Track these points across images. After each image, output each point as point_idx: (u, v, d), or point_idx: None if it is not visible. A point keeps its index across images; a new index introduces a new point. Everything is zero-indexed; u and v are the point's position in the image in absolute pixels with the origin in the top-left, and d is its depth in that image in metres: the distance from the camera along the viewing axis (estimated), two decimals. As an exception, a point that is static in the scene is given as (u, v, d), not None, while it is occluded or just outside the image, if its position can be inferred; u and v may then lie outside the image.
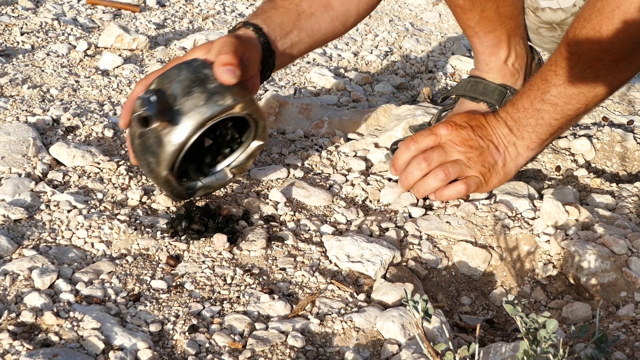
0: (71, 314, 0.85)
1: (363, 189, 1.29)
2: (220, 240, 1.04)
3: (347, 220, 1.18)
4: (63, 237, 1.03)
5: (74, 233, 1.04)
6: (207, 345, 0.85)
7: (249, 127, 1.13)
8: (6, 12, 2.10)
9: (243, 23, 1.20)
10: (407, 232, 1.15)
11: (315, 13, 1.29)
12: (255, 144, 1.15)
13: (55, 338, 0.81)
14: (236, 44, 1.09)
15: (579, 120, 1.28)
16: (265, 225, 1.12)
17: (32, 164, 1.21)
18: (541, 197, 1.26)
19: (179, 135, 1.02)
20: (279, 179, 1.30)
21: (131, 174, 1.23)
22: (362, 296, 0.98)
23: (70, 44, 1.92)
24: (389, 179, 1.32)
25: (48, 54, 1.82)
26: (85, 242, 1.03)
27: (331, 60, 2.16)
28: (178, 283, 0.96)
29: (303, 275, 1.01)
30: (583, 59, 1.08)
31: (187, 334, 0.86)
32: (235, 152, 1.16)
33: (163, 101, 1.01)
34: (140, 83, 1.11)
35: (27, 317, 0.83)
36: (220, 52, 1.06)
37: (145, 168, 1.07)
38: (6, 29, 1.97)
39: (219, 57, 1.05)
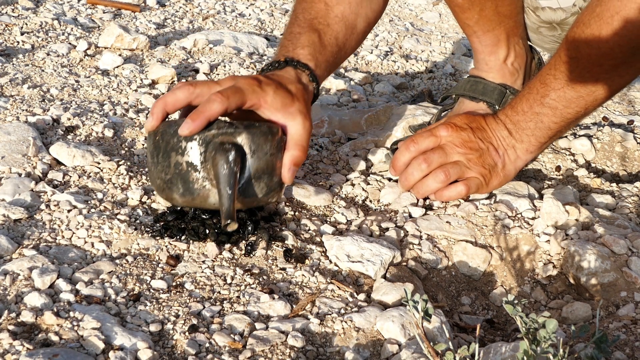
0: (71, 313, 0.85)
1: (363, 189, 1.29)
2: (211, 250, 1.04)
3: (347, 220, 1.18)
4: (63, 236, 1.03)
5: (74, 233, 1.04)
6: (207, 345, 0.85)
7: None
8: (6, 12, 2.10)
9: (306, 68, 1.14)
10: (407, 232, 1.15)
11: (347, 41, 1.27)
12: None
13: (55, 338, 0.81)
14: (310, 131, 1.07)
15: (578, 123, 1.28)
16: (265, 225, 1.12)
17: (32, 164, 1.21)
18: (541, 197, 1.26)
19: (215, 201, 0.98)
20: (279, 178, 1.30)
21: (131, 174, 1.23)
22: (362, 296, 0.98)
23: (70, 43, 1.92)
24: (389, 179, 1.32)
25: (48, 54, 1.82)
26: (85, 242, 1.03)
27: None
28: (178, 283, 0.96)
29: (303, 275, 1.01)
30: (582, 64, 1.08)
31: (187, 333, 0.86)
32: None
33: (236, 175, 0.96)
34: (217, 99, 0.98)
35: (27, 316, 0.83)
36: (297, 145, 1.03)
37: (161, 172, 1.00)
38: (6, 28, 1.97)
39: (295, 152, 1.03)
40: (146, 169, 1.28)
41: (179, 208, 1.08)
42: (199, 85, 1.02)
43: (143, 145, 1.38)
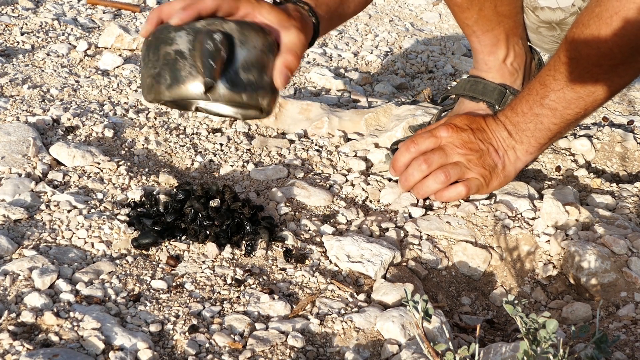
0: (71, 314, 0.85)
1: (363, 189, 1.29)
2: (211, 250, 1.04)
3: (347, 220, 1.18)
4: (63, 237, 1.03)
5: (74, 233, 1.04)
6: (207, 345, 0.85)
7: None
8: (6, 12, 2.10)
9: (305, 4, 1.14)
10: (407, 232, 1.15)
11: None
12: (233, 114, 1.11)
13: (55, 338, 0.81)
14: (304, 47, 1.06)
15: (578, 124, 1.28)
16: (265, 225, 1.12)
17: (32, 164, 1.21)
18: (541, 197, 1.26)
19: (207, 94, 0.97)
20: (279, 179, 1.30)
21: (131, 174, 1.23)
22: (362, 296, 0.98)
23: (70, 44, 1.92)
24: (389, 179, 1.32)
25: (48, 54, 1.82)
26: (86, 242, 1.03)
27: (331, 60, 2.17)
28: (178, 283, 0.96)
29: (303, 275, 1.01)
30: (582, 64, 1.08)
31: (187, 334, 0.86)
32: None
33: (227, 56, 0.96)
34: None
35: (27, 317, 0.83)
36: (290, 50, 1.03)
37: (151, 68, 0.99)
38: (6, 29, 1.97)
39: (287, 56, 1.02)
40: (146, 169, 1.28)
41: (177, 206, 1.08)
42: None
43: (143, 145, 1.38)
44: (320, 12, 1.16)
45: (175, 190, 1.13)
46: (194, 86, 0.96)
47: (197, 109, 1.09)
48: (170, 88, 0.97)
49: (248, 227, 1.07)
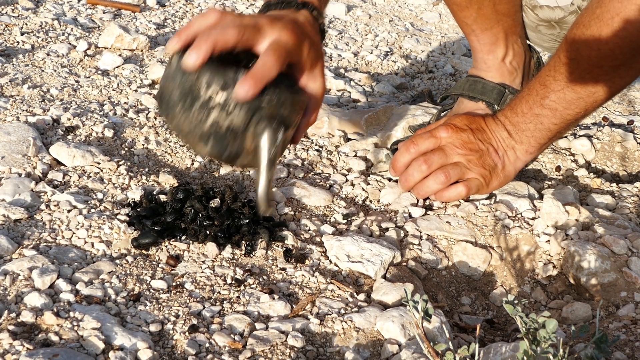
0: (71, 313, 0.85)
1: (363, 189, 1.29)
2: (211, 250, 1.04)
3: (347, 220, 1.18)
4: (63, 237, 1.03)
5: (74, 233, 1.04)
6: (207, 345, 0.85)
7: None
8: (6, 12, 2.10)
9: (314, 9, 1.03)
10: (407, 232, 1.15)
11: None
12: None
13: (55, 338, 0.81)
14: (325, 90, 1.00)
15: (578, 124, 1.28)
16: (266, 224, 1.12)
17: (32, 164, 1.21)
18: (541, 197, 1.26)
19: (242, 162, 0.91)
20: (279, 178, 1.30)
21: (131, 174, 1.23)
22: (362, 296, 0.98)
23: (70, 44, 1.92)
24: (389, 179, 1.32)
25: (48, 54, 1.82)
26: (86, 242, 1.03)
27: (331, 60, 2.16)
28: (178, 283, 0.96)
29: (303, 275, 1.01)
30: (582, 65, 1.08)
31: (187, 333, 0.86)
32: None
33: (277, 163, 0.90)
34: (232, 30, 0.87)
35: (27, 317, 0.83)
36: (315, 108, 0.96)
37: (193, 119, 0.88)
38: (6, 28, 1.97)
39: (310, 119, 0.97)
40: (146, 169, 1.28)
41: (177, 207, 1.08)
42: (246, 28, 0.89)
43: (143, 145, 1.38)
44: (324, 8, 1.12)
45: (175, 190, 1.13)
46: (234, 160, 0.90)
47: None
48: (210, 152, 0.89)
49: (248, 228, 1.07)
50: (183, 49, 0.87)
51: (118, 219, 1.08)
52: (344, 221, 1.18)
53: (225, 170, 1.32)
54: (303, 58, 0.94)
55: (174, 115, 0.89)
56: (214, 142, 0.89)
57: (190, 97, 0.87)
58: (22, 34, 1.94)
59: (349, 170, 1.37)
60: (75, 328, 0.83)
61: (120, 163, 1.25)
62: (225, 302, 0.93)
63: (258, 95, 0.86)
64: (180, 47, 0.87)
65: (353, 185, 1.30)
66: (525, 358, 0.69)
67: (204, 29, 0.88)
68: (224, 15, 0.90)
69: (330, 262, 1.06)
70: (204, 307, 0.91)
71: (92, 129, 1.39)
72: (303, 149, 1.43)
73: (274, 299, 0.94)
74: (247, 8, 2.62)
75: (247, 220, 1.08)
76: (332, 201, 1.23)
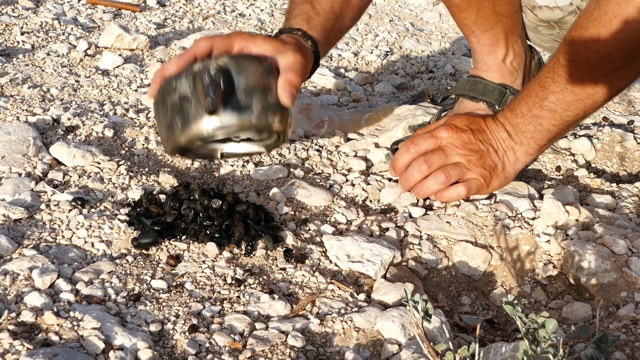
0: (71, 313, 0.85)
1: (363, 189, 1.29)
2: (211, 250, 1.04)
3: (347, 220, 1.18)
4: (63, 236, 1.03)
5: (74, 233, 1.04)
6: (207, 345, 0.85)
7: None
8: (6, 12, 2.10)
9: (298, 30, 1.20)
10: (408, 232, 1.15)
11: (343, 11, 1.30)
12: (257, 149, 1.13)
13: (55, 338, 0.81)
14: (304, 66, 1.09)
15: (578, 125, 1.28)
16: (270, 226, 1.12)
17: (32, 164, 1.21)
18: (541, 197, 1.26)
19: (218, 126, 0.99)
20: (279, 178, 1.30)
21: (131, 174, 1.23)
22: (362, 296, 0.98)
23: (70, 43, 1.92)
24: (389, 179, 1.32)
25: (48, 54, 1.82)
26: (86, 242, 1.03)
27: (331, 60, 2.17)
28: (178, 283, 0.96)
29: (303, 275, 1.01)
30: (581, 67, 1.08)
31: (187, 333, 0.86)
32: (240, 141, 1.14)
33: (227, 86, 0.99)
34: (202, 41, 1.07)
35: (27, 316, 0.83)
36: (290, 69, 1.05)
37: (163, 121, 1.04)
38: (6, 28, 1.97)
39: (287, 74, 1.04)
40: (146, 169, 1.28)
41: (177, 205, 1.08)
42: (215, 40, 1.08)
43: (143, 145, 1.38)
44: (316, 34, 1.21)
45: (175, 190, 1.13)
46: (203, 122, 0.99)
47: (222, 156, 1.13)
48: (183, 132, 1.00)
49: (253, 230, 1.07)
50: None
51: (118, 219, 1.08)
52: (344, 221, 1.18)
53: (225, 170, 1.32)
54: (256, 42, 1.08)
55: (160, 133, 1.06)
56: (179, 119, 1.00)
57: (157, 113, 1.05)
58: (22, 34, 1.94)
59: (349, 170, 1.37)
60: (76, 328, 0.83)
61: (120, 163, 1.25)
62: (225, 302, 0.94)
63: (190, 66, 1.02)
64: (155, 91, 1.06)
65: (353, 185, 1.30)
66: (525, 358, 0.69)
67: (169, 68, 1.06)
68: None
69: (331, 262, 1.06)
70: (204, 307, 0.91)
71: (92, 129, 1.39)
72: (303, 149, 1.43)
73: (274, 298, 0.94)
74: (247, 8, 2.62)
75: (251, 222, 1.08)
76: (332, 201, 1.23)
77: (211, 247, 1.03)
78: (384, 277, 1.03)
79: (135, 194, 1.16)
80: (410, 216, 1.20)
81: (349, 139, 1.51)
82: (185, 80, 1.01)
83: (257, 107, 1.01)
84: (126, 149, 1.35)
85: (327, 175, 1.34)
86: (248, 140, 1.12)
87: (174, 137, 1.02)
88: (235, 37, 1.08)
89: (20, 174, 1.18)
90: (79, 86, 1.64)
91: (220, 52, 1.06)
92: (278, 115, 1.03)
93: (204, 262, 1.01)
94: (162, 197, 1.13)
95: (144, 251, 1.03)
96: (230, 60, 1.02)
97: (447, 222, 1.16)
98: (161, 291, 0.94)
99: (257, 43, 1.08)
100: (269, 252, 1.06)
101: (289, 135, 1.09)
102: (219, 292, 0.95)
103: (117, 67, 1.80)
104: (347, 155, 1.42)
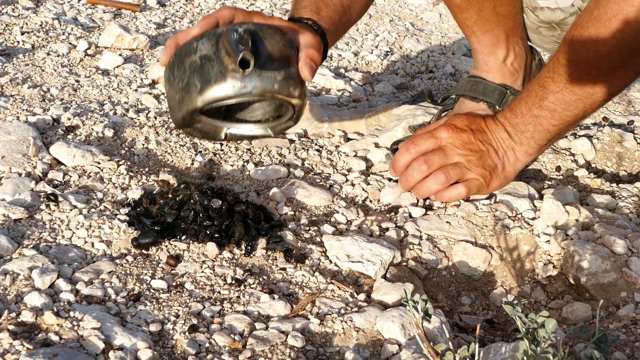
0: (71, 313, 0.85)
1: (363, 189, 1.29)
2: (211, 250, 1.04)
3: (348, 220, 1.18)
4: (63, 236, 1.03)
5: (74, 233, 1.04)
6: (207, 345, 0.85)
7: (279, 115, 1.11)
8: (6, 12, 2.10)
9: (309, 20, 1.20)
10: (407, 232, 1.15)
11: (352, 4, 1.31)
12: (263, 132, 1.12)
13: (55, 338, 0.81)
14: (321, 45, 1.11)
15: (577, 125, 1.28)
16: (278, 233, 1.12)
17: (32, 164, 1.21)
18: (541, 197, 1.26)
19: (240, 87, 0.97)
20: (279, 178, 1.30)
21: (131, 174, 1.23)
22: (362, 296, 0.98)
23: (70, 43, 1.92)
24: (389, 179, 1.32)
25: (48, 54, 1.82)
26: (86, 242, 1.03)
27: (331, 60, 2.17)
28: (178, 283, 0.96)
29: (303, 275, 1.01)
30: (581, 67, 1.08)
31: (187, 333, 0.86)
32: (246, 122, 1.13)
33: (253, 48, 0.97)
34: (225, 9, 1.08)
35: (27, 316, 0.83)
36: (310, 46, 1.06)
37: (179, 83, 1.00)
38: (6, 28, 1.97)
39: (308, 50, 1.05)
40: (146, 169, 1.28)
41: (177, 203, 1.08)
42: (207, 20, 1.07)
43: (143, 145, 1.38)
44: (325, 25, 1.20)
45: (174, 190, 1.13)
46: (226, 84, 0.96)
47: (226, 137, 1.10)
48: (202, 92, 0.97)
49: (253, 231, 1.07)
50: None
51: (118, 219, 1.08)
52: (344, 221, 1.18)
53: (225, 169, 1.32)
54: (273, 21, 1.08)
55: (169, 99, 1.03)
56: (198, 79, 0.97)
57: (170, 77, 1.02)
58: (22, 34, 1.94)
59: (349, 170, 1.37)
60: (75, 328, 0.83)
61: (120, 163, 1.25)
62: (225, 302, 0.94)
63: (213, 29, 1.00)
64: (168, 58, 1.04)
65: (353, 185, 1.30)
66: (525, 358, 0.69)
67: (186, 36, 1.05)
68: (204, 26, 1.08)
69: (331, 262, 1.06)
70: (204, 307, 0.91)
71: (92, 129, 1.39)
72: (303, 148, 1.43)
73: (274, 298, 0.94)
74: (247, 7, 2.62)
75: (247, 221, 1.08)
76: (332, 201, 1.23)
77: (211, 247, 1.03)
78: (384, 277, 1.03)
79: (135, 193, 1.16)
80: (410, 216, 1.20)
81: (349, 139, 1.51)
82: (207, 40, 0.99)
83: (281, 75, 0.99)
84: (126, 148, 1.35)
85: (327, 175, 1.34)
86: (257, 122, 1.11)
87: (190, 99, 0.98)
88: (254, 13, 1.09)
89: (20, 174, 1.18)
90: (79, 86, 1.64)
91: (243, 20, 1.06)
92: (299, 88, 1.02)
93: (204, 262, 1.01)
94: (162, 197, 1.13)
95: (144, 251, 1.03)
96: (256, 26, 1.01)
97: (447, 222, 1.16)
98: (161, 291, 0.94)
99: (275, 22, 1.09)
100: (268, 252, 1.06)
101: (301, 116, 1.09)
102: (219, 292, 0.95)
103: (117, 67, 1.80)
104: (347, 155, 1.42)
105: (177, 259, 1.01)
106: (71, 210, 1.09)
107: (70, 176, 1.20)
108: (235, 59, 0.95)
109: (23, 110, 1.43)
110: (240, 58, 0.94)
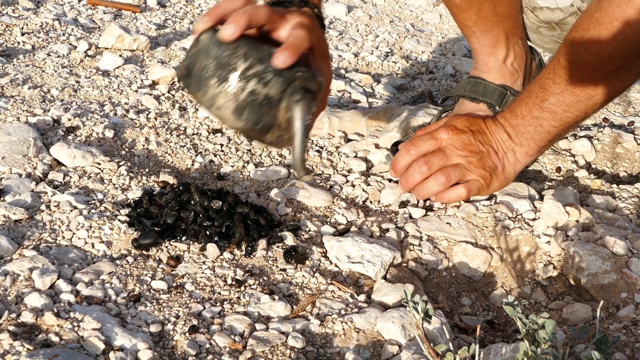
0: (71, 314, 0.85)
1: (363, 190, 1.29)
2: (212, 251, 1.04)
3: (348, 221, 1.18)
4: (63, 237, 1.03)
5: (74, 233, 1.04)
6: (208, 345, 0.85)
7: None
8: (7, 13, 2.10)
9: (314, 5, 1.08)
10: (408, 233, 1.15)
11: None
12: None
13: (55, 338, 0.81)
14: (331, 80, 1.07)
15: (578, 126, 1.28)
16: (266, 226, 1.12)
17: (32, 165, 1.21)
18: (542, 198, 1.26)
19: (270, 139, 0.93)
20: (279, 179, 1.30)
21: (132, 175, 1.23)
22: (362, 297, 0.98)
23: (70, 44, 1.92)
24: (390, 180, 1.32)
25: (49, 55, 1.82)
26: (86, 243, 1.03)
27: (331, 60, 2.17)
28: (178, 283, 0.96)
29: (303, 276, 1.01)
30: (582, 68, 1.08)
31: (187, 334, 0.86)
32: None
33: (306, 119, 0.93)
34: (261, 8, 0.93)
35: (27, 317, 0.83)
36: (323, 98, 1.03)
37: (224, 98, 0.91)
38: (7, 29, 1.97)
39: (321, 106, 1.03)
40: (147, 169, 1.28)
41: (177, 207, 1.08)
42: (274, 10, 0.95)
43: (143, 145, 1.38)
44: (321, 7, 1.15)
45: (174, 190, 1.13)
46: (265, 134, 0.92)
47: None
48: (244, 122, 0.91)
49: (254, 232, 1.07)
50: (212, 29, 0.91)
51: (118, 220, 1.08)
52: (344, 222, 1.18)
53: (224, 170, 1.32)
54: (318, 43, 0.99)
55: (208, 89, 0.91)
56: (249, 112, 0.91)
57: (227, 69, 0.90)
58: (22, 35, 1.94)
59: (350, 171, 1.37)
60: (76, 329, 0.83)
61: (120, 163, 1.26)
62: (225, 302, 0.94)
63: (292, 68, 0.90)
64: (210, 25, 0.91)
65: (353, 186, 1.30)
66: (525, 359, 0.69)
67: (234, 9, 0.92)
68: (256, 3, 0.95)
69: (331, 262, 1.06)
70: (204, 308, 0.91)
71: (93, 130, 1.39)
72: (303, 149, 1.43)
73: (274, 299, 0.94)
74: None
75: (248, 222, 1.08)
76: (333, 202, 1.23)
77: (211, 248, 1.03)
78: (384, 278, 1.03)
79: (135, 194, 1.16)
80: (411, 217, 1.20)
81: (349, 140, 1.51)
82: (282, 83, 0.90)
83: (309, 121, 0.95)
84: (126, 149, 1.35)
85: (328, 176, 1.34)
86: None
87: (228, 115, 0.92)
88: (287, 15, 0.97)
89: (20, 175, 1.18)
90: (80, 87, 1.64)
91: (274, 28, 0.96)
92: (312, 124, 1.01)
93: (204, 262, 1.01)
94: (161, 197, 1.13)
95: (144, 252, 1.03)
96: (317, 86, 0.95)
97: (447, 223, 1.16)
98: (161, 292, 0.94)
99: (316, 48, 0.99)
100: (268, 252, 1.06)
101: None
102: (219, 293, 0.95)
103: (118, 67, 1.80)
104: (348, 156, 1.42)
105: (177, 259, 1.01)
106: (71, 211, 1.09)
107: (71, 177, 1.20)
108: (287, 134, 0.92)
109: (23, 111, 1.43)
110: (303, 174, 0.94)
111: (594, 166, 1.47)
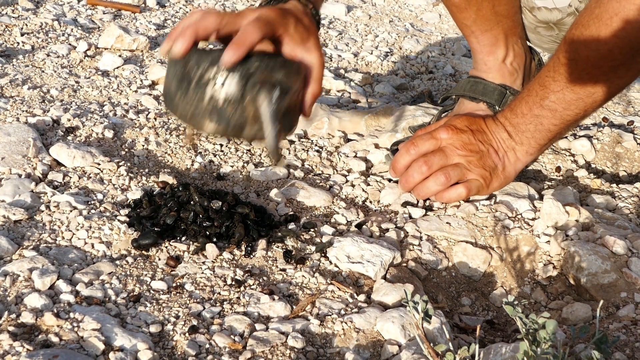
0: (71, 314, 0.85)
1: (363, 190, 1.29)
2: (211, 251, 1.04)
3: (348, 221, 1.18)
4: (63, 237, 1.03)
5: (74, 234, 1.04)
6: (207, 346, 0.85)
7: None
8: (6, 13, 2.10)
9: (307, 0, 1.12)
10: (407, 232, 1.15)
11: None
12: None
13: (55, 339, 0.81)
14: (323, 64, 1.07)
15: (578, 124, 1.28)
16: (292, 228, 1.12)
17: (32, 165, 1.21)
18: (541, 197, 1.26)
19: (248, 134, 0.95)
20: (279, 179, 1.30)
21: (131, 175, 1.23)
22: (362, 297, 0.98)
23: (70, 44, 1.92)
24: (389, 180, 1.32)
25: (48, 55, 1.82)
26: (86, 243, 1.03)
27: (331, 60, 2.17)
28: (178, 284, 0.96)
29: (303, 276, 1.01)
30: (581, 66, 1.08)
31: (187, 334, 0.86)
32: None
33: (278, 110, 0.94)
34: (254, 28, 0.95)
35: (27, 318, 0.83)
36: (317, 79, 1.04)
37: (193, 96, 0.94)
38: (6, 29, 1.97)
39: (314, 86, 1.04)
40: (146, 170, 1.28)
41: (176, 207, 1.08)
42: (225, 14, 0.98)
43: (143, 146, 1.38)
44: (318, 4, 1.16)
45: (174, 190, 1.13)
46: (240, 131, 0.95)
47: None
48: (217, 125, 0.94)
49: (254, 232, 1.07)
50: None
51: (118, 220, 1.08)
52: (344, 222, 1.18)
53: (224, 170, 1.32)
54: (290, 31, 1.01)
55: (176, 104, 0.96)
56: (217, 116, 0.94)
57: (185, 81, 0.94)
58: (22, 35, 1.94)
59: (349, 171, 1.37)
60: (76, 329, 0.83)
61: (120, 164, 1.25)
62: (225, 303, 0.94)
63: (245, 62, 0.92)
64: (170, 46, 0.95)
65: (353, 186, 1.30)
66: (525, 359, 0.69)
67: (188, 25, 0.95)
68: (207, 11, 0.98)
69: (331, 262, 1.06)
70: (204, 308, 0.91)
71: (92, 130, 1.39)
72: (303, 149, 1.44)
73: (274, 299, 0.94)
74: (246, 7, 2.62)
75: (247, 222, 1.08)
76: (332, 202, 1.23)
77: (211, 248, 1.03)
78: (384, 277, 1.03)
79: (135, 194, 1.16)
80: (410, 217, 1.20)
81: (348, 140, 1.51)
82: (238, 80, 0.92)
83: (287, 127, 1.00)
84: (126, 150, 1.35)
85: (327, 176, 1.34)
86: None
87: (202, 123, 0.95)
88: (275, 22, 0.99)
89: (20, 175, 1.18)
90: (79, 87, 1.64)
91: (267, 37, 0.98)
92: (295, 128, 1.05)
93: (204, 263, 1.01)
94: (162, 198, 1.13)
95: (144, 252, 1.03)
96: (285, 73, 0.96)
97: (447, 222, 1.16)
98: (161, 292, 0.94)
99: (291, 34, 1.01)
100: (268, 252, 1.06)
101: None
102: (219, 293, 0.95)
103: (117, 68, 1.80)
104: (347, 156, 1.42)
105: (177, 260, 1.01)
106: (71, 211, 1.09)
107: (70, 177, 1.20)
108: (262, 127, 0.93)
109: (23, 111, 1.43)
110: (274, 163, 0.95)
111: (593, 166, 1.47)
